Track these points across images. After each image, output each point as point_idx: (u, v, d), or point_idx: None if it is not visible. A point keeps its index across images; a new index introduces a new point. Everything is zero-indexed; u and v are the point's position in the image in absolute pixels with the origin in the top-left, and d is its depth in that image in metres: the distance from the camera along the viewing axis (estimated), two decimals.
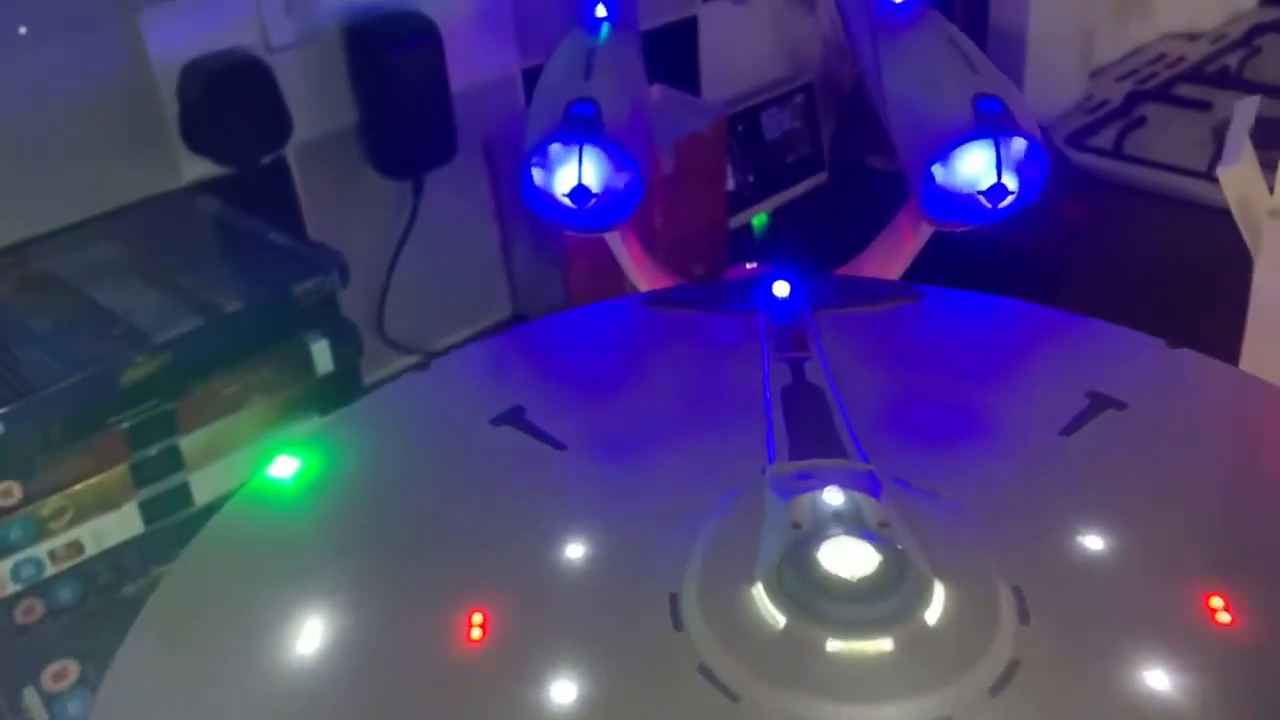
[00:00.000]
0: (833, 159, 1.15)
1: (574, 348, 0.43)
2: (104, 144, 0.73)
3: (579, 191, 0.46)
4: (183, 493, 0.63)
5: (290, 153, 0.79)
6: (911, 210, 0.52)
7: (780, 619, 0.27)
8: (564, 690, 0.27)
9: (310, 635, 0.30)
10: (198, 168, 0.76)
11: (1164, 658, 0.27)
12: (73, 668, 0.61)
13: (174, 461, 0.62)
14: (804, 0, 1.12)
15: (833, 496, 0.30)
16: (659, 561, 0.30)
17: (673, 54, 1.04)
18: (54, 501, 0.58)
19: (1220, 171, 0.77)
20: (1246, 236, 0.78)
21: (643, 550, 0.31)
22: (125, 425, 0.59)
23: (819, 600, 0.27)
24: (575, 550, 0.32)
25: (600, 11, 0.61)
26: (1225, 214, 0.76)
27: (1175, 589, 0.29)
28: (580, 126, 0.46)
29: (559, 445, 0.36)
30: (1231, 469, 0.35)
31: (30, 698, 0.60)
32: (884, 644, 0.26)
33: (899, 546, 0.28)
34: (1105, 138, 1.25)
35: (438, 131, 0.82)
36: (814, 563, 0.28)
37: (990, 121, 0.45)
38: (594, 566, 0.31)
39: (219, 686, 0.29)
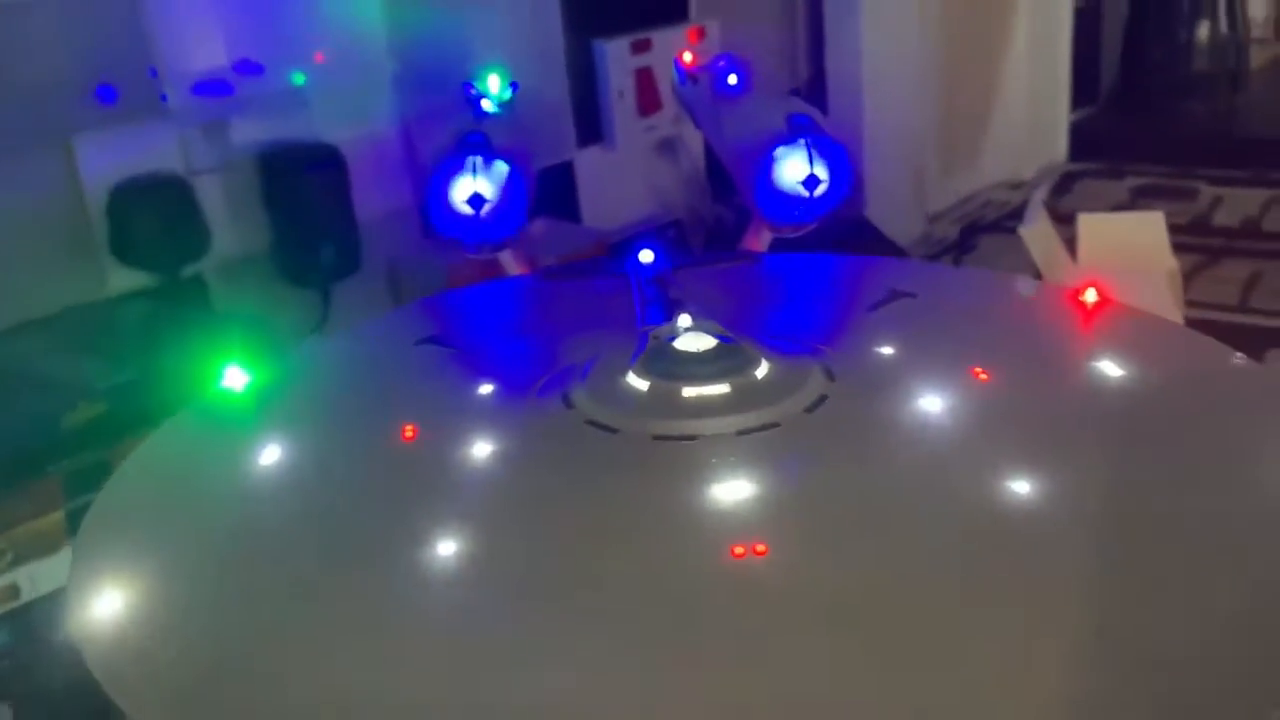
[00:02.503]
0: None
1: (480, 306, 0.51)
2: (36, 257, 0.80)
3: (474, 200, 0.55)
4: None
5: (207, 266, 0.88)
6: (754, 225, 0.62)
7: (645, 384, 0.35)
8: (481, 450, 0.34)
9: (278, 454, 0.37)
10: (124, 279, 0.83)
11: (934, 393, 0.36)
12: (6, 712, 0.63)
13: None
14: (668, 148, 1.27)
15: (684, 320, 0.38)
16: (552, 390, 0.38)
17: (554, 192, 1.16)
18: None
19: (1021, 230, 0.91)
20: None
21: (537, 389, 0.39)
22: (63, 472, 0.64)
23: (674, 367, 0.35)
24: (483, 389, 0.40)
25: (487, 105, 0.72)
26: None
27: (946, 366, 0.38)
28: (472, 147, 0.56)
29: (465, 351, 0.44)
30: (988, 319, 0.44)
31: None
32: (723, 388, 0.35)
33: (734, 341, 0.37)
34: (945, 262, 1.41)
35: (344, 245, 0.91)
36: (669, 348, 0.36)
37: (800, 129, 0.56)
38: (496, 396, 0.39)
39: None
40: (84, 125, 0.81)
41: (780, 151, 0.57)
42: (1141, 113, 1.93)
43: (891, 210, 1.45)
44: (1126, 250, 0.96)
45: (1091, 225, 1.01)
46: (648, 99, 1.22)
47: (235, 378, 0.43)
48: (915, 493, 0.31)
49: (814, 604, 0.27)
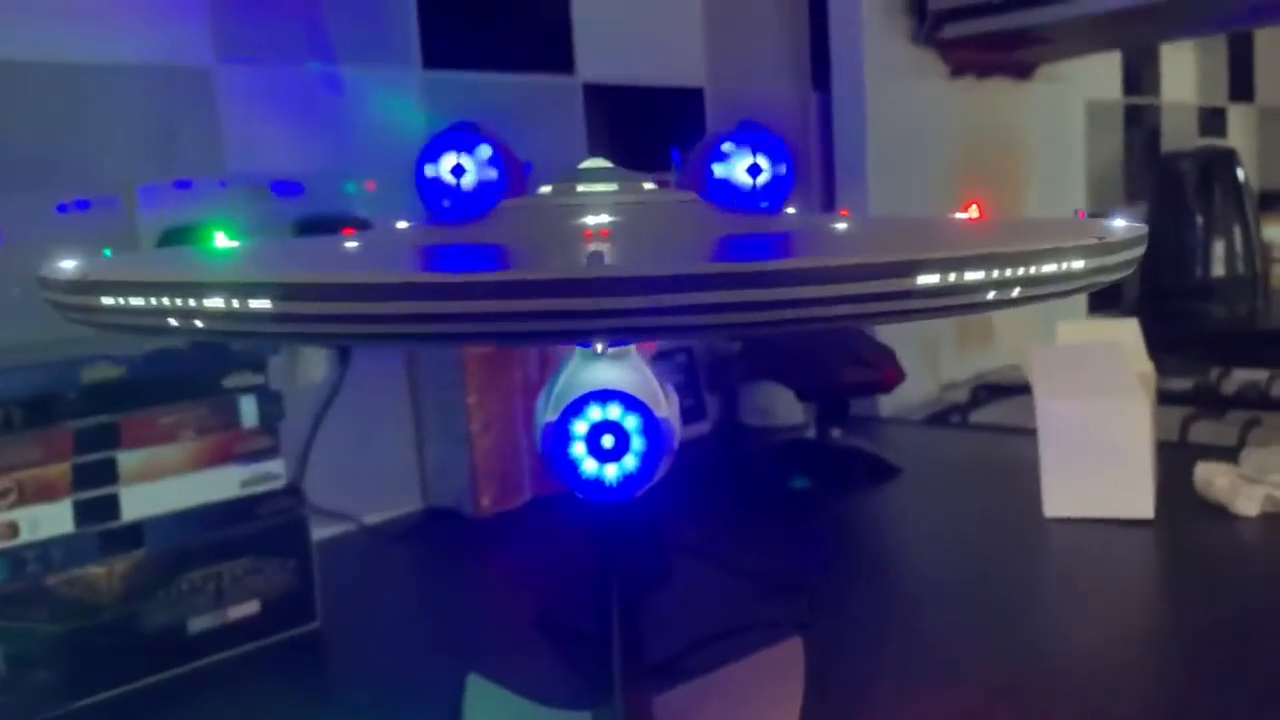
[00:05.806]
0: (717, 416, 1.34)
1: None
2: None
3: (457, 169, 0.63)
4: (112, 503, 0.72)
5: None
6: None
7: (550, 188, 0.42)
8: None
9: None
10: None
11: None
12: None
13: (110, 472, 0.72)
14: None
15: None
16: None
17: None
18: (2, 480, 0.68)
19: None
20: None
21: None
22: (75, 426, 0.71)
23: (577, 176, 0.42)
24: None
25: None
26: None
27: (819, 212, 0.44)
28: (463, 128, 0.65)
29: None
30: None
31: None
32: (611, 187, 0.41)
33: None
34: (955, 416, 1.46)
35: None
36: (577, 170, 0.43)
37: (747, 126, 0.64)
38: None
39: None
40: (149, 177, 0.92)
41: (733, 152, 0.65)
42: (1161, 316, 2.00)
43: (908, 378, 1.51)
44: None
45: (1069, 330, 1.07)
46: None
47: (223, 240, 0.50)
48: (722, 224, 0.38)
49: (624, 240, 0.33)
